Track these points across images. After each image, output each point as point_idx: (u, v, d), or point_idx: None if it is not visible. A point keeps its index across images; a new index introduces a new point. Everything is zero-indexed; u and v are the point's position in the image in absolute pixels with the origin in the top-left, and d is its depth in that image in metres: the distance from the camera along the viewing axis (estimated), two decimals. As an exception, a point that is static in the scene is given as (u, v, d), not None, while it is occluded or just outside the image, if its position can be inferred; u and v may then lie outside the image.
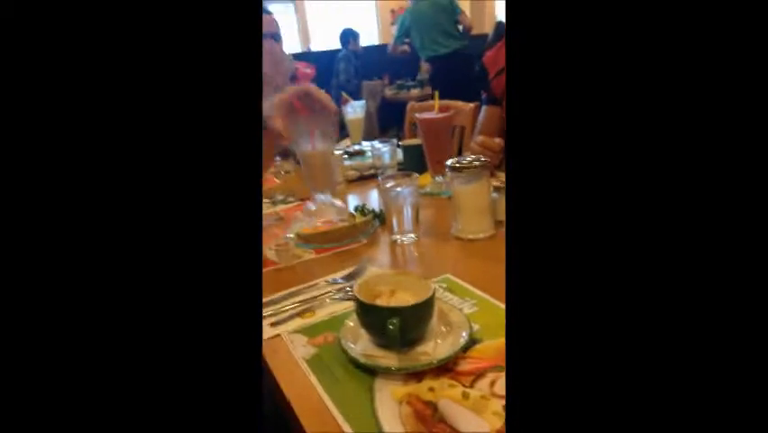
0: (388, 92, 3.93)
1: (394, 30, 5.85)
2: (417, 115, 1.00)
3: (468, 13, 3.55)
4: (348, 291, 0.60)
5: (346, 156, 1.43)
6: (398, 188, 0.76)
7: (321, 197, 0.82)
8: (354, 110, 1.56)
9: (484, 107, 1.30)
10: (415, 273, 0.56)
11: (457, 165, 0.74)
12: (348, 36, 3.99)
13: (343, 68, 3.86)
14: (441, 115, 0.98)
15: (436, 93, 1.00)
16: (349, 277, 0.65)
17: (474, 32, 4.58)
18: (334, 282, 0.65)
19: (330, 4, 5.15)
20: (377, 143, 1.29)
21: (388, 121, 3.70)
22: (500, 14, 5.63)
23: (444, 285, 0.60)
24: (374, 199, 1.05)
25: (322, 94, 0.72)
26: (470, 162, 0.74)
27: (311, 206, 0.84)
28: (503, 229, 0.77)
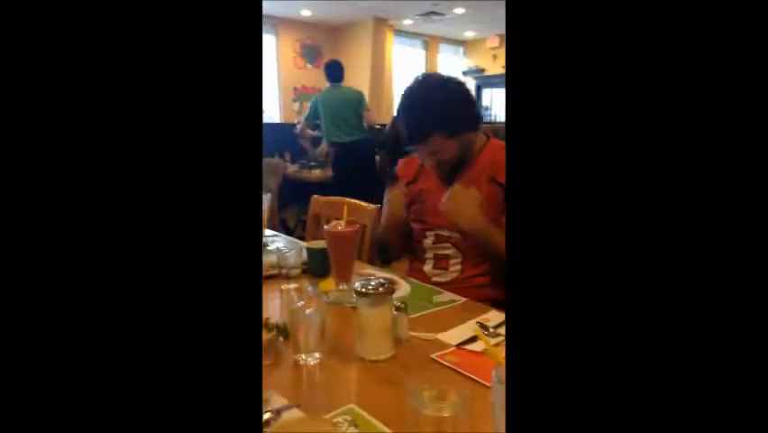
0: (290, 170, 4.00)
1: (295, 107, 6.09)
2: (326, 227, 1.06)
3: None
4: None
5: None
6: (308, 310, 0.79)
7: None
8: (259, 202, 1.57)
9: (392, 191, 1.36)
10: (321, 418, 0.58)
11: (363, 290, 0.80)
12: None
13: None
14: (348, 230, 1.05)
15: (346, 207, 1.08)
16: (254, 409, 0.65)
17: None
18: (238, 415, 0.64)
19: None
20: (277, 243, 1.31)
21: (288, 198, 3.74)
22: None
23: (349, 417, 0.63)
24: (277, 304, 1.05)
25: None
26: (376, 287, 0.80)
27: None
28: (401, 347, 0.83)
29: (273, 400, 0.67)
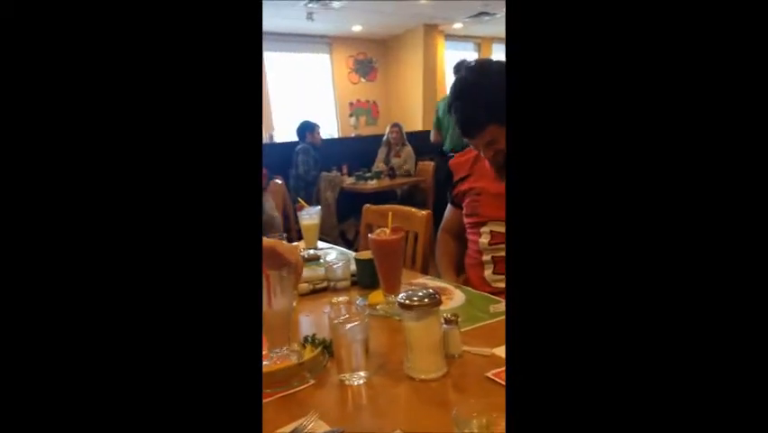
0: (347, 182, 4.03)
1: (352, 121, 6.18)
2: (370, 236, 1.01)
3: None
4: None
5: (300, 262, 1.41)
6: (349, 325, 0.74)
7: (277, 351, 0.78)
8: (310, 215, 1.56)
9: (449, 206, 1.40)
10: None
11: (407, 302, 0.74)
12: (305, 129, 4.07)
13: (302, 160, 3.89)
14: (393, 237, 0.99)
15: (390, 214, 1.02)
16: (293, 435, 0.61)
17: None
18: (276, 442, 0.59)
19: (292, 96, 5.40)
20: (330, 256, 1.29)
21: (346, 211, 3.76)
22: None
23: (394, 447, 0.57)
24: (326, 319, 1.01)
25: (285, 247, 0.70)
26: (422, 299, 0.74)
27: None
28: (453, 364, 0.75)
29: (314, 425, 0.62)
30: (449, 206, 1.41)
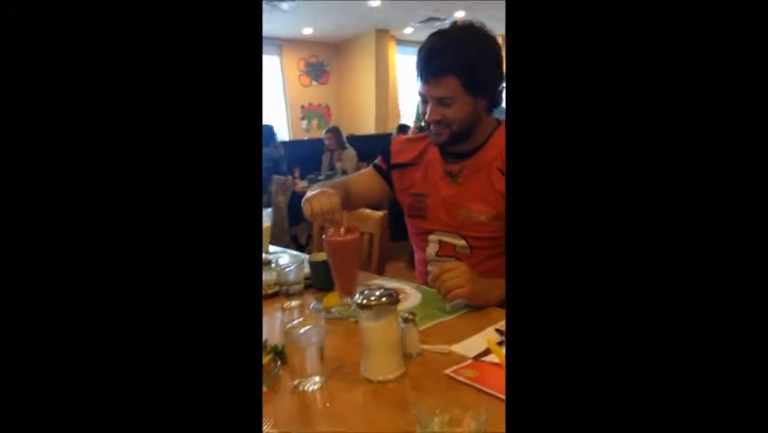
0: (299, 186, 3.95)
1: (303, 125, 6.09)
2: (324, 236, 0.98)
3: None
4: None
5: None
6: (302, 330, 0.71)
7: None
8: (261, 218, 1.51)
9: (369, 169, 1.27)
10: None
11: (364, 302, 0.71)
12: (270, 137, 3.80)
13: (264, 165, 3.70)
14: (348, 238, 0.96)
15: (345, 214, 1.00)
16: (243, 448, 0.56)
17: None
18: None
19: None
20: (282, 259, 1.24)
21: (299, 215, 3.67)
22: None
23: (353, 453, 0.54)
24: (278, 325, 0.97)
25: None
26: (379, 298, 0.72)
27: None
28: (412, 363, 0.73)
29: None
30: (370, 169, 1.24)
